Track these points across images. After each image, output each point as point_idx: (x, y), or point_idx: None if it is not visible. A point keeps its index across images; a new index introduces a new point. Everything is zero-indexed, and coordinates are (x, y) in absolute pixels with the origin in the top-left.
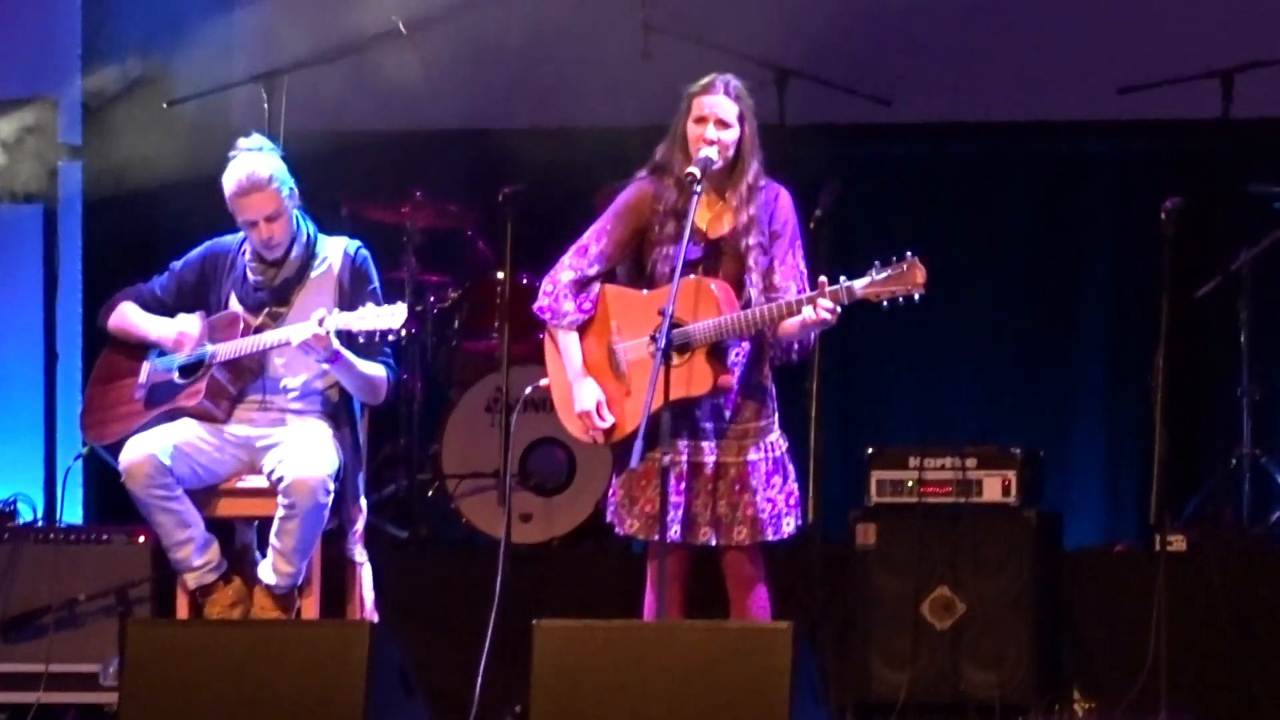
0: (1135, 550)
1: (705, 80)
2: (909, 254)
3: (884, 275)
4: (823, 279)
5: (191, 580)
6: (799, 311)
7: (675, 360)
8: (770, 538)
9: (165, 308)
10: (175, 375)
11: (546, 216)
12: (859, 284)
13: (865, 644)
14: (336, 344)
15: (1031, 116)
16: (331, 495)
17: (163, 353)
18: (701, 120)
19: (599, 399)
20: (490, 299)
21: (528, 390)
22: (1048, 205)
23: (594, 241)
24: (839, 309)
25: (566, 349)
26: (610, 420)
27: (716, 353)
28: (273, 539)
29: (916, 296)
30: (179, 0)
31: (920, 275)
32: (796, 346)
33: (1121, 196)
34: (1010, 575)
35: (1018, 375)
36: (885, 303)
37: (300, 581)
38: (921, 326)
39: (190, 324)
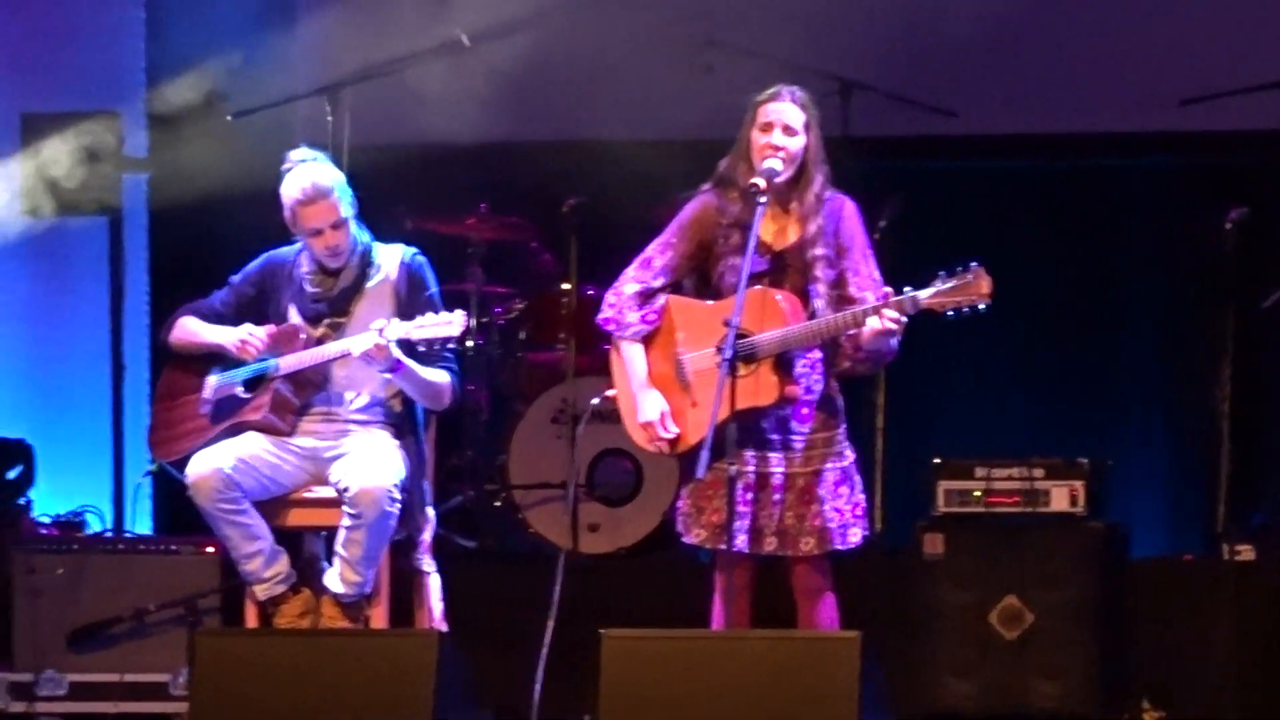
0: (1203, 560)
1: (771, 89)
2: (974, 264)
3: (949, 285)
4: (888, 289)
5: (261, 592)
6: (864, 322)
7: (741, 371)
8: (837, 548)
9: (225, 321)
10: (239, 389)
11: (610, 228)
12: (924, 294)
13: (932, 654)
14: (397, 353)
15: (1094, 129)
16: (397, 505)
17: (225, 368)
18: (767, 127)
19: (663, 409)
20: (555, 311)
21: (594, 402)
22: (1111, 217)
23: (658, 254)
24: (904, 319)
25: (631, 360)
26: (674, 431)
27: (782, 363)
28: (339, 549)
29: (982, 306)
30: (242, 14)
31: (986, 285)
32: (865, 356)
33: (1183, 208)
34: (1077, 586)
35: (1081, 387)
36: (950, 313)
37: (368, 591)
38: (986, 338)
39: (256, 329)
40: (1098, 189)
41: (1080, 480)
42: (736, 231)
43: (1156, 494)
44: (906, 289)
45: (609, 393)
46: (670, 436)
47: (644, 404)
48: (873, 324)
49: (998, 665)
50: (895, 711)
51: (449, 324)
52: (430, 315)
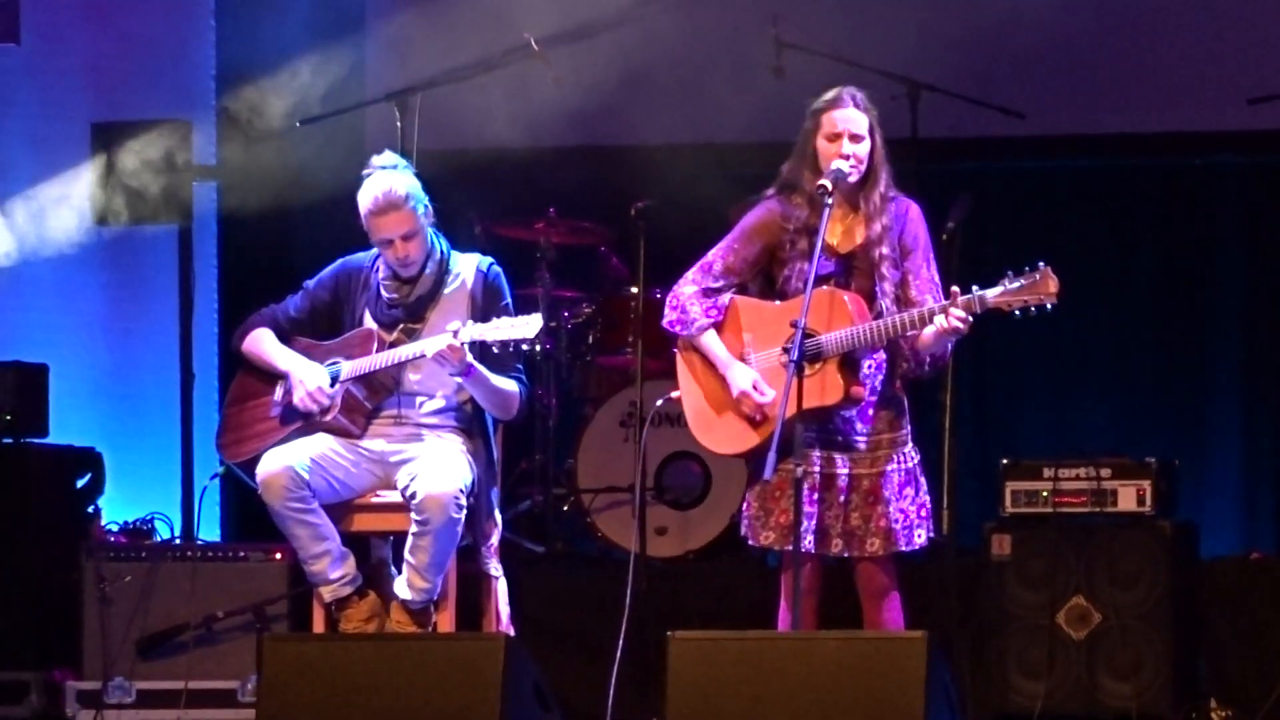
0: (1273, 558)
1: (830, 95)
2: (1041, 264)
3: (1017, 285)
4: (955, 288)
5: (327, 593)
6: (931, 321)
7: (807, 371)
8: (902, 548)
9: (300, 327)
10: None
11: (679, 232)
12: (991, 293)
13: (1001, 654)
14: (470, 357)
15: (1162, 128)
16: (464, 511)
17: None
18: (835, 137)
19: (754, 377)
20: (624, 315)
21: (659, 403)
22: (1179, 216)
23: (719, 259)
24: (971, 318)
25: (709, 347)
26: (770, 394)
27: (849, 363)
28: (407, 555)
29: (1049, 306)
30: (312, 22)
31: (1053, 285)
32: (929, 359)
33: (1252, 207)
34: (1146, 586)
35: (1150, 387)
36: (1017, 312)
37: (436, 596)
38: (1054, 338)
39: (325, 387)
40: (1166, 188)
41: (1148, 480)
42: (802, 237)
43: (1228, 493)
44: (974, 288)
45: (673, 394)
46: (767, 400)
47: (735, 376)
48: (939, 323)
49: (1066, 665)
50: (964, 712)
51: (526, 325)
52: (506, 318)
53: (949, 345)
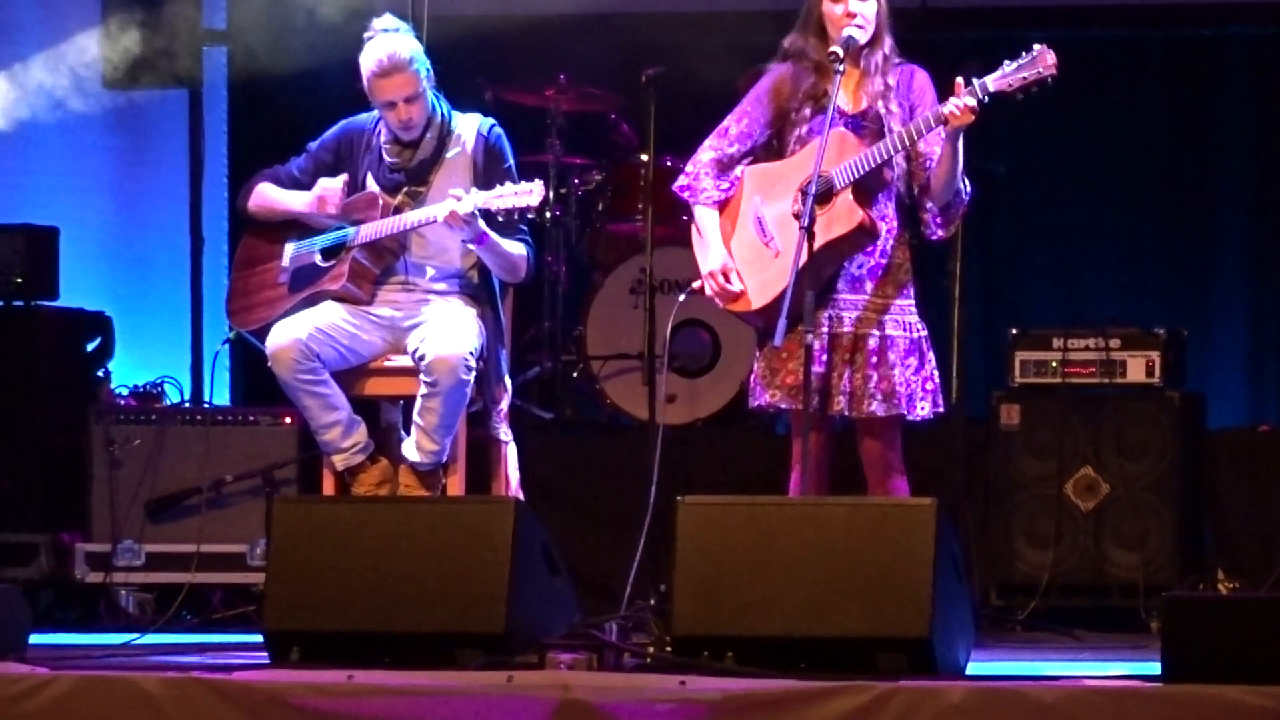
0: None
1: None
2: (1036, 45)
3: (1014, 65)
4: (958, 80)
5: (339, 461)
6: (937, 126)
7: (819, 211)
8: (904, 414)
9: (303, 188)
10: (317, 258)
11: (689, 99)
12: (992, 78)
13: (1008, 524)
14: (481, 223)
15: None
16: (473, 373)
17: (303, 235)
18: None
19: (725, 261)
20: (634, 181)
21: (681, 298)
22: (1188, 88)
23: (734, 123)
24: (977, 104)
25: (702, 221)
26: (739, 286)
27: (861, 192)
28: (415, 417)
29: (1049, 80)
30: None
31: (1050, 58)
32: (944, 209)
33: (1261, 78)
34: (1154, 457)
35: (1158, 259)
36: (1021, 95)
37: (444, 459)
38: (1061, 208)
39: (331, 182)
40: (1175, 60)
41: (1156, 350)
42: (810, 103)
43: (1236, 364)
44: (974, 79)
45: (695, 284)
46: (735, 289)
47: (709, 257)
48: (948, 110)
49: (1073, 536)
50: (973, 580)
51: (529, 193)
52: (509, 185)
53: (964, 185)
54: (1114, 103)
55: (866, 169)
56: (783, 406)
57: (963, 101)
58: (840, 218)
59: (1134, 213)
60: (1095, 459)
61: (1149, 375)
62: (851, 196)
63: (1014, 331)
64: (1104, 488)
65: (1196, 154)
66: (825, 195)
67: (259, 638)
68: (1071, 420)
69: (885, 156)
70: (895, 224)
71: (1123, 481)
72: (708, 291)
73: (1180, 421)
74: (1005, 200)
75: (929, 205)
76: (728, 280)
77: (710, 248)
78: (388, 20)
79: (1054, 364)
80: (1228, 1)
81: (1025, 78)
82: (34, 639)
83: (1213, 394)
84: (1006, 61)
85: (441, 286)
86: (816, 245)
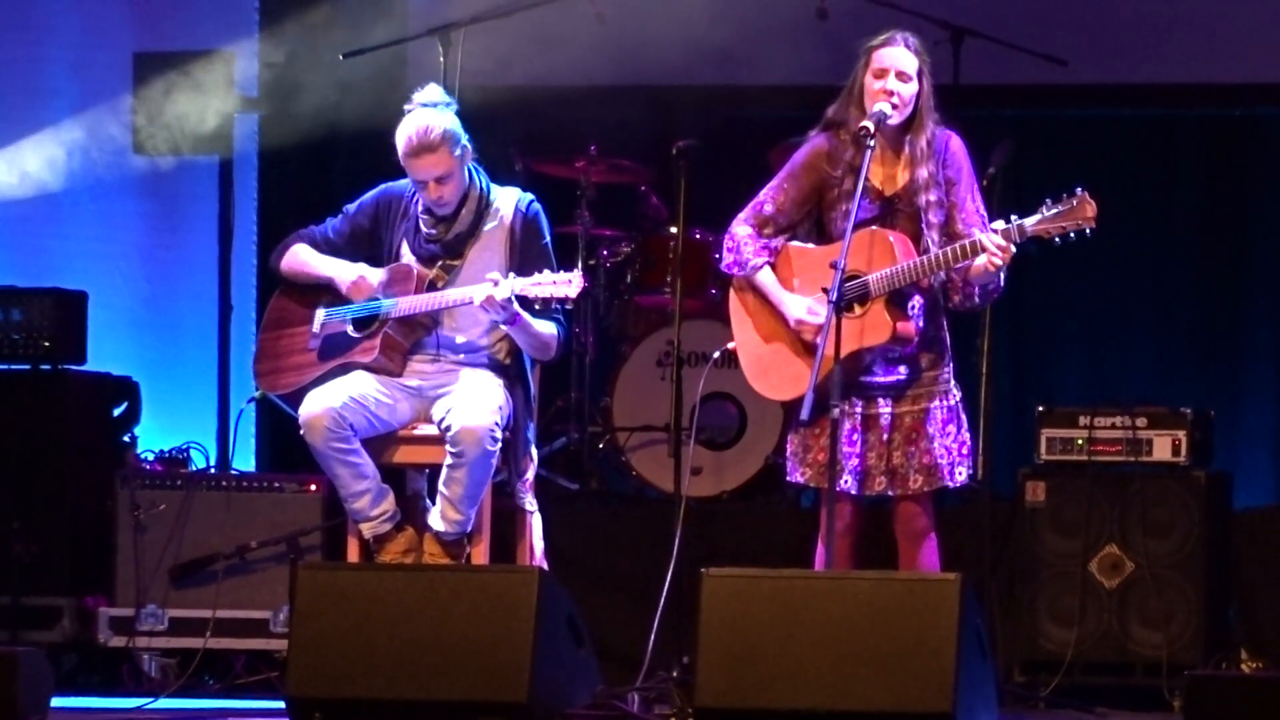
0: None
1: (884, 35)
2: (1079, 189)
3: (1054, 211)
4: (996, 222)
5: (367, 530)
6: (973, 255)
7: (855, 312)
8: (946, 483)
9: (337, 250)
10: (349, 328)
11: (720, 173)
12: (1030, 221)
13: (1032, 601)
14: (516, 306)
15: (1206, 79)
16: (499, 444)
17: (335, 301)
18: (881, 73)
19: (808, 304)
20: (663, 254)
21: (715, 356)
22: (1221, 168)
23: (770, 198)
24: (1013, 247)
25: (763, 283)
26: (824, 311)
27: (895, 302)
28: (441, 487)
29: (1088, 230)
30: None
31: (1090, 209)
32: (979, 289)
33: None
34: (1179, 535)
35: (1188, 338)
36: (1058, 239)
37: (469, 529)
38: (1092, 287)
39: (371, 270)
40: (1209, 140)
41: (1183, 430)
42: (849, 177)
43: (1263, 444)
44: (1013, 217)
45: (729, 345)
46: (820, 321)
47: (789, 307)
48: (980, 262)
49: (1098, 614)
50: (997, 657)
51: (568, 284)
52: (548, 273)
53: (999, 277)
54: (1145, 182)
55: (901, 282)
56: (814, 485)
57: (998, 243)
58: (873, 328)
59: (1164, 291)
60: (1120, 537)
61: (1175, 454)
62: (885, 304)
63: (1041, 409)
64: (1129, 566)
65: (1227, 234)
66: (861, 298)
67: (281, 704)
68: (1097, 498)
69: (920, 276)
70: (923, 301)
71: (1148, 560)
72: (764, 389)
73: (1206, 501)
74: (1035, 277)
75: (965, 289)
76: (815, 314)
77: (785, 300)
78: (430, 93)
79: (1080, 442)
80: (1259, 82)
81: (1064, 226)
82: (57, 702)
83: (1240, 473)
84: (1048, 202)
85: (470, 358)
86: (846, 351)
